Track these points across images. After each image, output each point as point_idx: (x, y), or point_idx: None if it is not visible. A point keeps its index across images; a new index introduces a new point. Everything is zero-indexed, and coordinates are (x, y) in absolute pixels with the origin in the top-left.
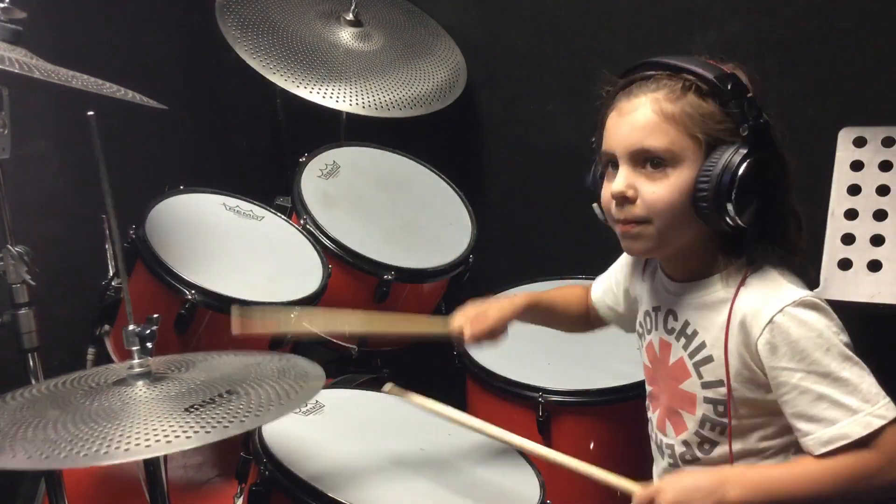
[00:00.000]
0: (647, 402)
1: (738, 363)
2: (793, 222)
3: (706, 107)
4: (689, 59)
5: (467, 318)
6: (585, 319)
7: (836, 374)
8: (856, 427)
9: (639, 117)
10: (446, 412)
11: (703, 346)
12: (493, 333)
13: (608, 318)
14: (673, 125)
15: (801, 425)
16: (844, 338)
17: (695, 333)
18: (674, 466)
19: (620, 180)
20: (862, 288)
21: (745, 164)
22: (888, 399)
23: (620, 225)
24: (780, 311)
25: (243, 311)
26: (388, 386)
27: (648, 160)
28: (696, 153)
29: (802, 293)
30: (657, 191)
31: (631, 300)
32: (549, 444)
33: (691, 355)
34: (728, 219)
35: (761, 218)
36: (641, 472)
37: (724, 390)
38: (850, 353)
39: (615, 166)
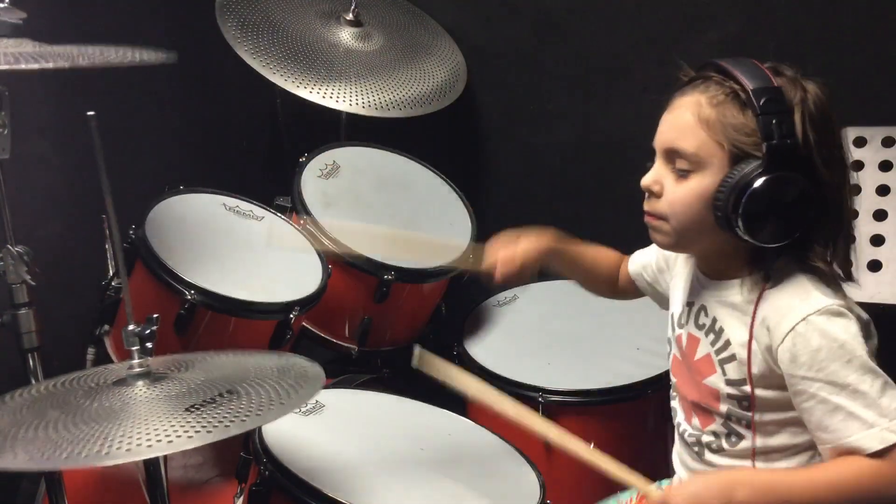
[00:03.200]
0: (671, 392)
1: (761, 365)
2: (824, 250)
3: (740, 117)
4: (747, 66)
5: (498, 259)
6: (612, 284)
7: (854, 387)
8: (871, 441)
9: (678, 117)
10: (470, 385)
11: (728, 344)
12: (522, 275)
13: (646, 290)
14: (706, 130)
15: (818, 434)
16: (869, 348)
17: (721, 331)
18: (699, 455)
19: (650, 174)
20: (862, 288)
21: (755, 184)
22: None
23: (645, 215)
24: (804, 319)
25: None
26: (417, 349)
27: (678, 160)
28: (722, 161)
29: (828, 302)
30: (679, 192)
31: (665, 285)
32: (548, 445)
33: (717, 352)
34: (740, 234)
35: (781, 238)
36: (641, 471)
37: (747, 389)
38: (873, 366)
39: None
